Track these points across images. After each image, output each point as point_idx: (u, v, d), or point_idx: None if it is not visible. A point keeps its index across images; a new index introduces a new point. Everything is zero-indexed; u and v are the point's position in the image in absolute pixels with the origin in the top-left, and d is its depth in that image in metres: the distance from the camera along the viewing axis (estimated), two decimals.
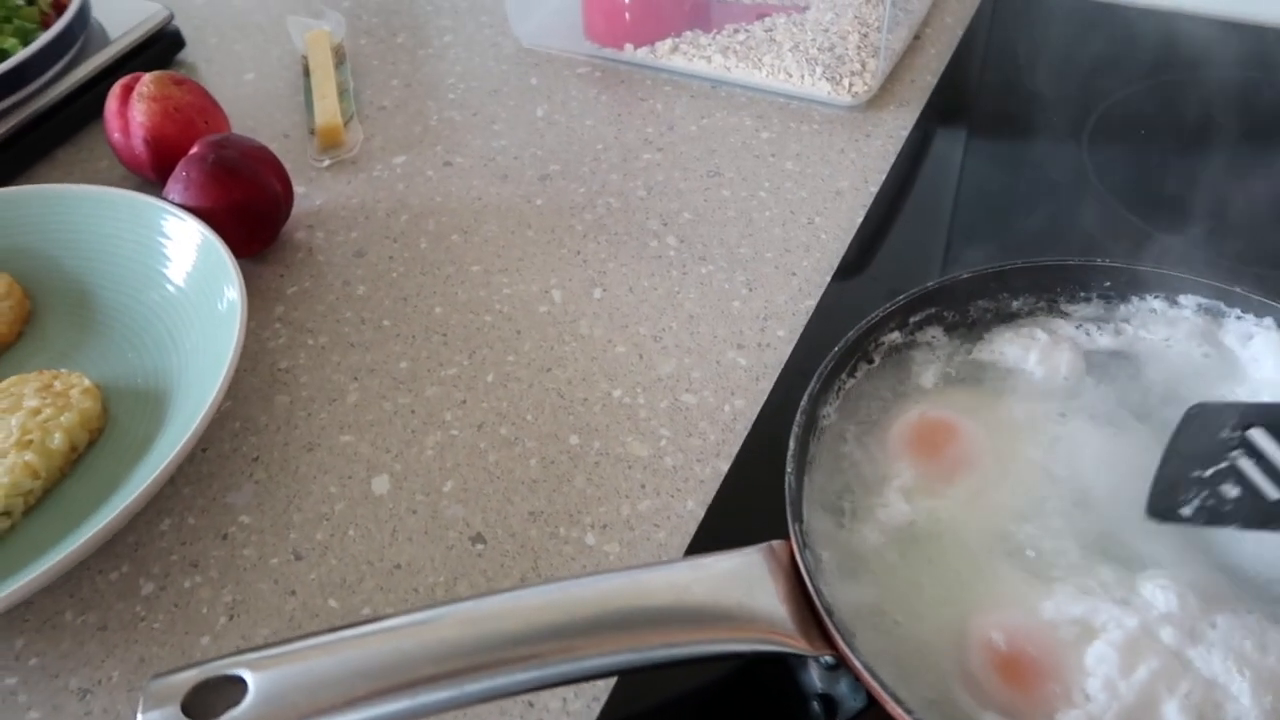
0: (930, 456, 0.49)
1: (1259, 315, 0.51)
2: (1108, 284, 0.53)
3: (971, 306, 0.53)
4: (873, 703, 0.39)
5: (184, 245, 0.61)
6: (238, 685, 0.37)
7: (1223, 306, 0.52)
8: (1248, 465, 0.42)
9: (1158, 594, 0.40)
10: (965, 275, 0.52)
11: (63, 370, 0.58)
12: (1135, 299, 0.53)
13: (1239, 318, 0.51)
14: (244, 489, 0.55)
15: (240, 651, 0.38)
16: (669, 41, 0.81)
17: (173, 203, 0.63)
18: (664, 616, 0.39)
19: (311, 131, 0.77)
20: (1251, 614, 0.40)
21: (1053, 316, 0.53)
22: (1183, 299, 0.52)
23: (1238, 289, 0.51)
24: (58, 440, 0.53)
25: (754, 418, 0.56)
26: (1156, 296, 0.53)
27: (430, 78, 0.84)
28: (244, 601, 0.50)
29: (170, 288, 0.61)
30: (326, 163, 0.75)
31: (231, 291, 0.58)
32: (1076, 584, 0.42)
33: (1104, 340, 0.52)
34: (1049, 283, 0.53)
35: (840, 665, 0.41)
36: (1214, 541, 0.43)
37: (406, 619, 0.39)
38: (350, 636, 0.39)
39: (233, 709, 0.36)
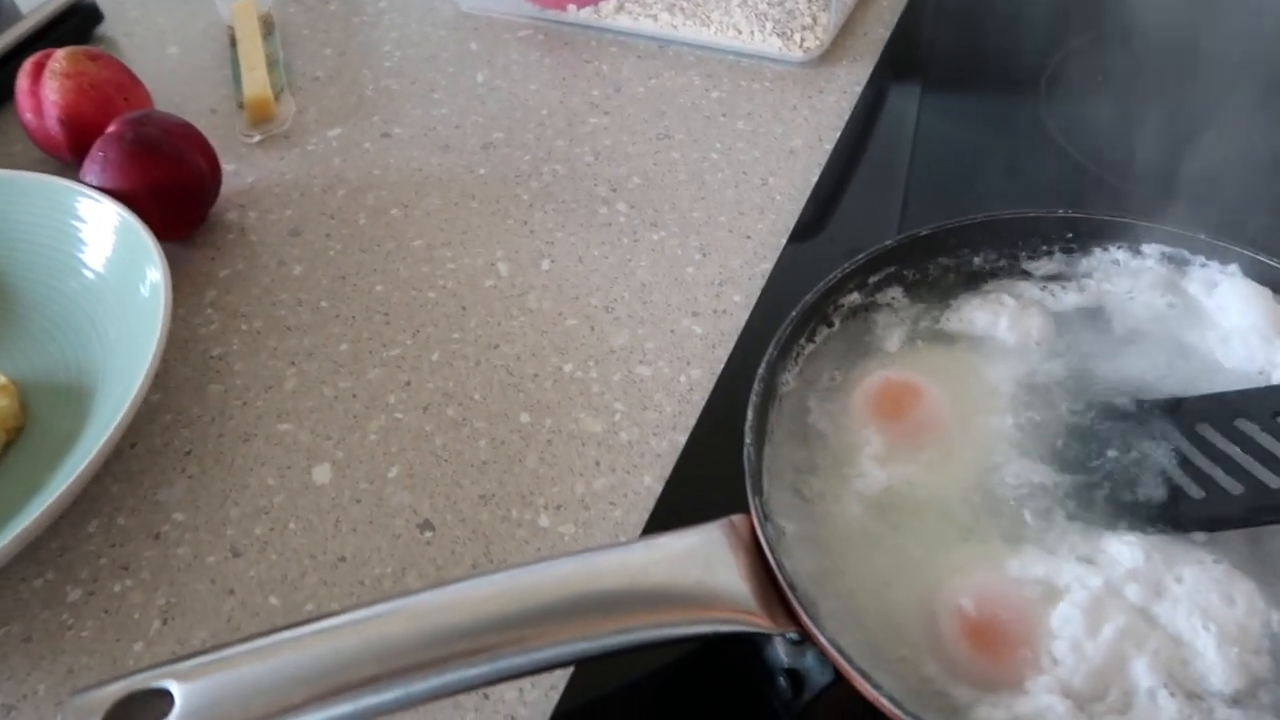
0: (895, 421, 0.47)
1: (1223, 261, 0.49)
2: (1069, 235, 0.51)
3: (932, 264, 0.51)
4: (840, 677, 0.38)
5: (101, 229, 0.58)
6: (165, 698, 0.35)
7: (1186, 254, 0.50)
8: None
9: (1123, 550, 0.39)
10: (924, 232, 0.50)
11: None
12: (1098, 250, 0.51)
13: (1203, 265, 0.50)
14: (176, 485, 0.52)
15: (167, 662, 0.35)
16: (613, 0, 0.78)
17: (90, 185, 0.59)
18: (620, 601, 0.37)
19: (240, 105, 0.74)
20: (1220, 564, 0.38)
21: (1015, 279, 0.51)
22: (1146, 248, 0.51)
23: (1201, 235, 0.50)
24: None
25: (711, 387, 0.54)
26: (1119, 246, 0.51)
27: (365, 45, 0.81)
28: (179, 604, 0.47)
29: (89, 274, 0.58)
30: (257, 138, 0.72)
31: (154, 275, 0.55)
32: (1042, 545, 0.41)
33: (1070, 299, 0.50)
34: (1010, 236, 0.52)
35: (809, 641, 0.39)
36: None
37: (345, 617, 0.37)
38: (285, 639, 0.36)
39: None
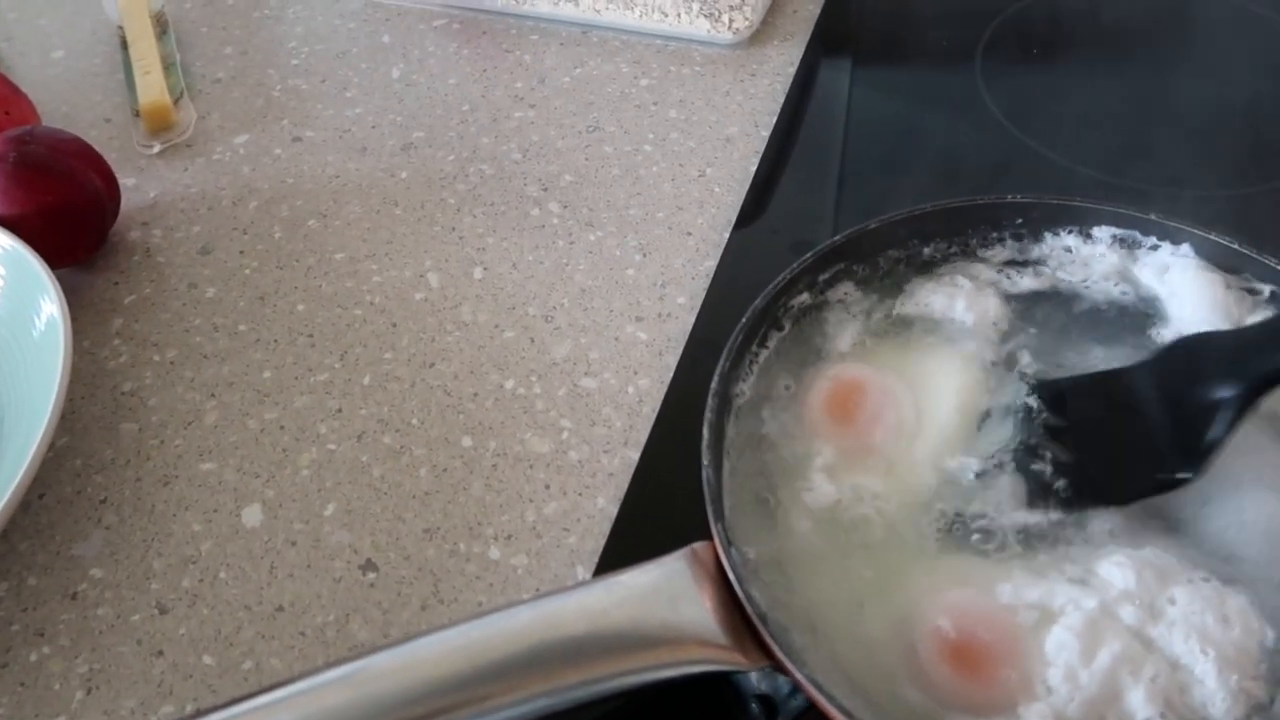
0: (848, 424, 0.45)
1: (1175, 242, 0.48)
2: (1019, 221, 0.50)
3: (882, 258, 0.49)
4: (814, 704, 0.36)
5: None
6: None
7: (1138, 235, 0.49)
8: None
9: (1114, 571, 0.38)
10: (872, 225, 0.49)
11: None
12: (1049, 235, 0.50)
13: (1154, 247, 0.49)
14: (92, 537, 0.48)
15: None
16: None
17: None
18: (582, 649, 0.35)
19: (136, 113, 0.68)
20: (1208, 581, 0.37)
21: (970, 261, 0.50)
22: (1096, 231, 0.50)
23: (1152, 215, 0.49)
24: None
25: (661, 397, 0.52)
26: (1070, 231, 0.50)
27: (269, 42, 0.76)
28: (103, 670, 0.44)
29: None
30: (157, 148, 0.67)
31: (50, 307, 0.50)
32: (1029, 566, 0.39)
33: (1026, 282, 0.49)
34: (959, 225, 0.50)
35: (783, 673, 0.37)
36: (1162, 506, 0.40)
37: (281, 693, 0.34)
38: None
39: None
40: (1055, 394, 0.44)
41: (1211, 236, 0.46)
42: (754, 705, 0.42)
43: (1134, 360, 0.44)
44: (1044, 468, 0.42)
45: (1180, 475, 0.40)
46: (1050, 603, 0.38)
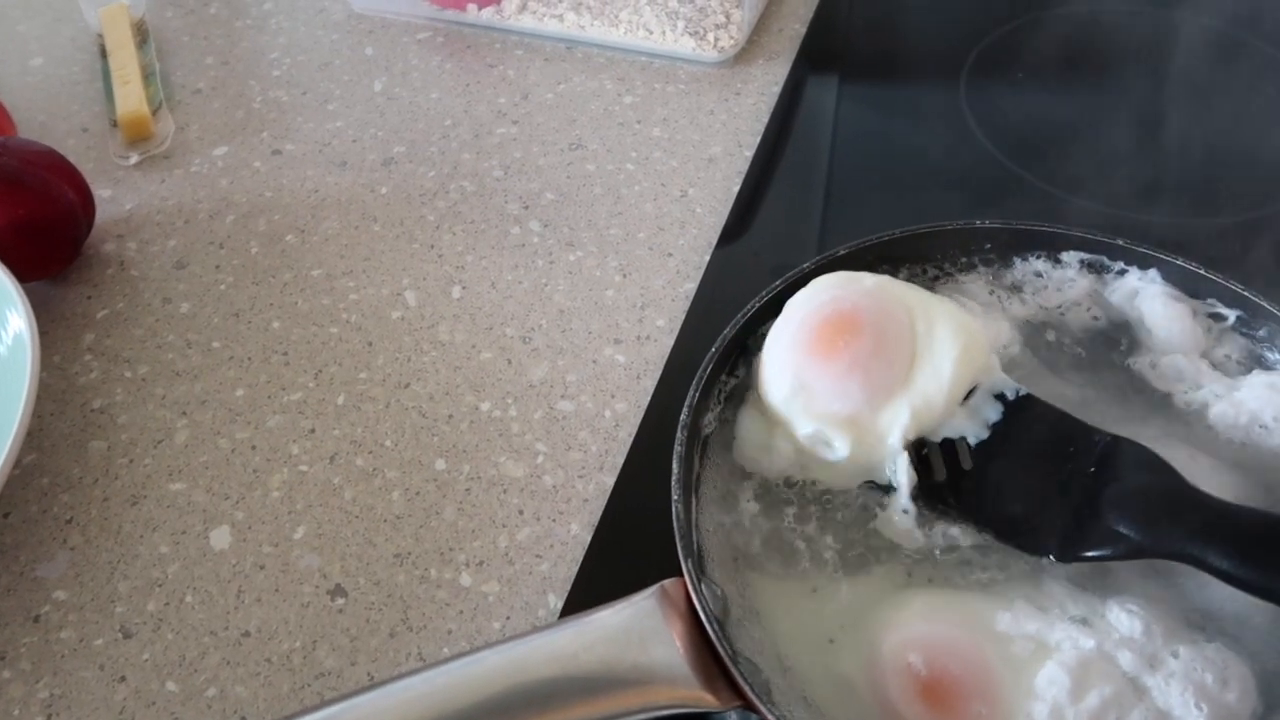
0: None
1: (1142, 267, 0.48)
2: (988, 246, 0.50)
3: None
4: None
5: None
6: None
7: (1105, 260, 0.49)
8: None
9: (1122, 617, 0.37)
10: (842, 252, 0.48)
11: None
12: (1018, 260, 0.50)
13: (1121, 272, 0.49)
14: (57, 558, 0.47)
15: None
16: None
17: None
18: (551, 694, 0.35)
19: (114, 124, 0.68)
20: (1212, 643, 0.37)
21: (956, 285, 0.49)
22: (1065, 256, 0.49)
23: (1120, 241, 0.48)
24: None
25: (638, 422, 0.51)
26: (1038, 256, 0.50)
27: (250, 53, 0.75)
28: (64, 696, 0.43)
29: None
30: (134, 159, 0.66)
31: (17, 321, 0.50)
32: (1024, 599, 0.39)
33: (1016, 309, 0.48)
34: (928, 250, 0.50)
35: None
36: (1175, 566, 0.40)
37: None
38: None
39: None
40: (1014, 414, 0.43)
41: (1178, 261, 0.46)
42: None
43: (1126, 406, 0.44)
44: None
45: (1042, 553, 0.40)
46: (1047, 637, 0.37)
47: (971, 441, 0.42)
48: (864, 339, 0.42)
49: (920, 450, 0.42)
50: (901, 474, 0.41)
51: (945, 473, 0.42)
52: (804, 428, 0.42)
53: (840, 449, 0.42)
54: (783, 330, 0.44)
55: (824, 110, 0.70)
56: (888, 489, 0.42)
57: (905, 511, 0.41)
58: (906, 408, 0.41)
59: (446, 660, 0.35)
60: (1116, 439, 0.41)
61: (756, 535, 0.42)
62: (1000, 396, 0.43)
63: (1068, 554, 0.40)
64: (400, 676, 0.35)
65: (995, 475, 0.42)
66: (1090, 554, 0.39)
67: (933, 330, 0.43)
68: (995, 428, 0.42)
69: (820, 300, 0.44)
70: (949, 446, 0.42)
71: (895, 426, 0.41)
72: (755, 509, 0.42)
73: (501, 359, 0.54)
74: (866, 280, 0.45)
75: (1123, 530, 0.39)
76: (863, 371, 0.42)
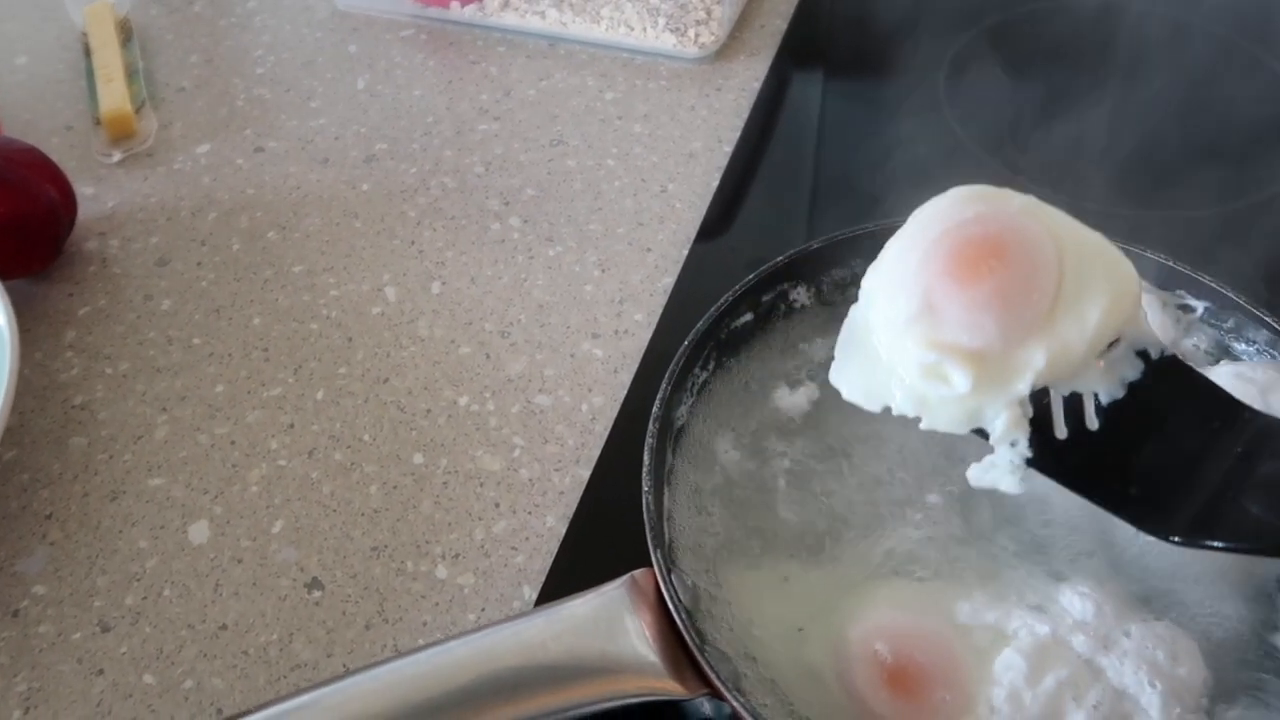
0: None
1: None
2: None
3: (825, 278, 0.49)
4: None
5: None
6: None
7: None
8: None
9: (1075, 601, 0.38)
10: (815, 246, 0.49)
11: None
12: None
13: None
14: (36, 554, 0.48)
15: None
16: None
17: None
18: (520, 683, 0.35)
19: (97, 121, 0.68)
20: (1161, 620, 0.37)
21: None
22: None
23: None
24: None
25: (615, 415, 0.52)
26: None
27: (234, 51, 0.75)
28: (42, 689, 0.43)
29: None
30: (117, 157, 0.66)
31: None
32: (982, 589, 0.39)
33: None
34: None
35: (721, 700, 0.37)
36: (1124, 545, 0.40)
37: None
38: None
39: None
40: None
41: (1148, 254, 0.47)
42: None
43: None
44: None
45: (1160, 532, 0.37)
46: (1005, 625, 0.38)
47: (1104, 400, 0.37)
48: (1011, 267, 0.36)
49: (1042, 400, 0.37)
50: (1010, 425, 0.36)
51: (1066, 431, 0.37)
52: (922, 356, 0.36)
53: (961, 385, 0.36)
54: (913, 243, 0.38)
55: (804, 106, 0.70)
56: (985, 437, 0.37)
57: (1015, 464, 0.36)
58: (1043, 351, 0.35)
59: (416, 650, 0.35)
60: (1272, 420, 0.38)
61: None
62: (1143, 354, 0.37)
63: (1194, 538, 0.37)
64: (370, 666, 0.35)
65: (1122, 441, 0.37)
66: (1219, 544, 0.36)
67: (1083, 268, 0.36)
68: (1132, 388, 0.37)
69: (963, 215, 0.38)
70: (1071, 402, 0.37)
71: (1027, 370, 0.35)
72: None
73: (480, 354, 0.55)
74: (1014, 199, 0.38)
75: (1275, 523, 0.36)
76: (1003, 303, 0.36)
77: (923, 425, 0.37)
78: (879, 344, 0.38)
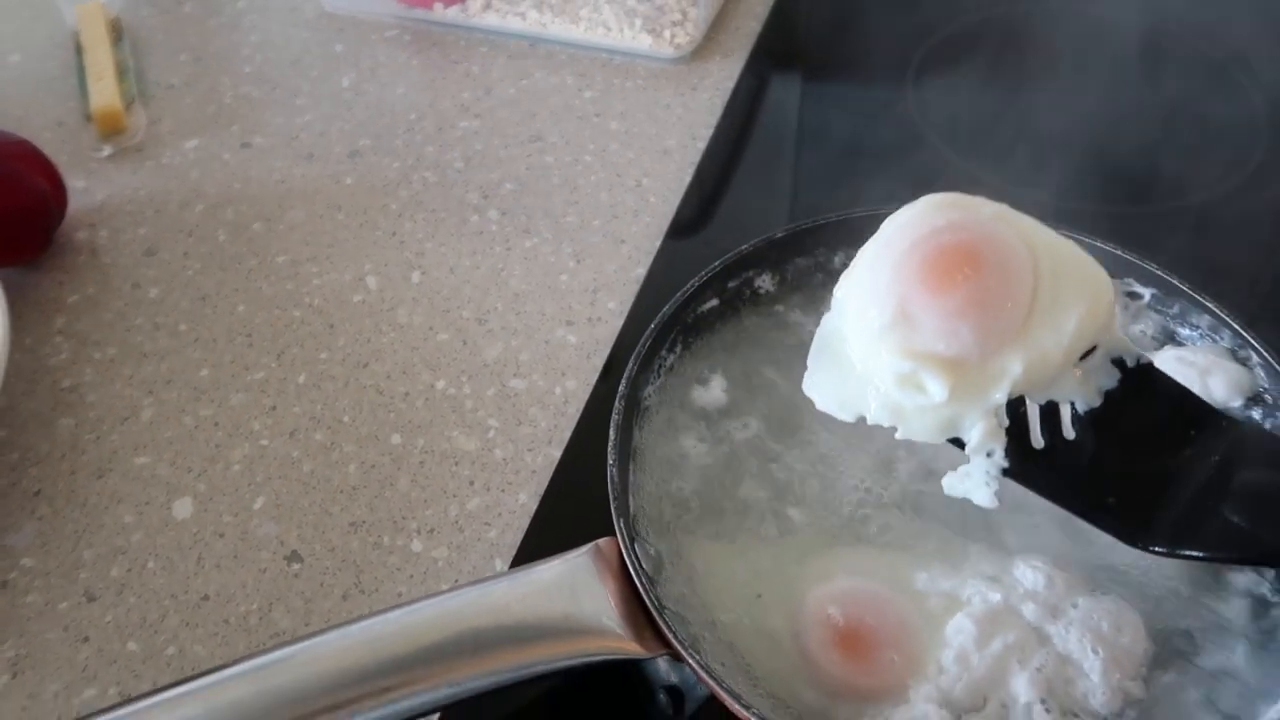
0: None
1: None
2: None
3: (790, 266, 0.51)
4: None
5: None
6: None
7: None
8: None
9: (1027, 573, 0.40)
10: (779, 234, 0.51)
11: None
12: None
13: None
14: (25, 528, 0.49)
15: None
16: None
17: None
18: (484, 642, 0.37)
19: (88, 118, 0.70)
20: (1108, 595, 0.39)
21: None
22: None
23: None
24: None
25: (586, 398, 0.54)
26: None
27: (223, 50, 0.77)
28: (29, 655, 0.45)
29: None
30: (107, 151, 0.68)
31: None
32: (941, 560, 0.41)
33: None
34: (863, 235, 0.52)
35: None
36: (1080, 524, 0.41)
37: (192, 685, 0.35)
38: (126, 714, 0.34)
39: None
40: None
41: (1096, 242, 0.48)
42: (662, 696, 0.43)
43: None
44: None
45: (1140, 543, 0.38)
46: (959, 592, 0.40)
47: (1080, 409, 0.37)
48: (986, 275, 0.36)
49: (1018, 410, 0.37)
50: (986, 435, 0.36)
51: (1043, 440, 0.37)
52: (897, 366, 0.36)
53: (937, 394, 0.36)
54: (886, 251, 0.38)
55: (775, 106, 0.73)
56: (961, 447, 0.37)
57: (990, 475, 0.37)
58: (1020, 359, 0.35)
59: (387, 610, 0.37)
60: (1250, 428, 0.38)
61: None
62: (1119, 362, 0.37)
63: (1174, 547, 0.37)
64: (343, 624, 0.37)
65: (1100, 449, 0.37)
66: (1199, 554, 0.37)
67: (1058, 276, 0.36)
68: (1109, 396, 0.37)
69: (936, 223, 0.38)
70: (1048, 412, 0.37)
71: (1004, 378, 0.35)
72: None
73: (457, 340, 0.57)
74: (986, 207, 0.38)
75: (1257, 532, 0.36)
76: (979, 311, 0.36)
77: (898, 435, 0.37)
78: (853, 353, 0.38)
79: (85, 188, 0.66)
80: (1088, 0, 0.76)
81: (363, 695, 0.35)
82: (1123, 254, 0.49)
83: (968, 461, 0.37)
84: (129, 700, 0.35)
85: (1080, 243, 0.49)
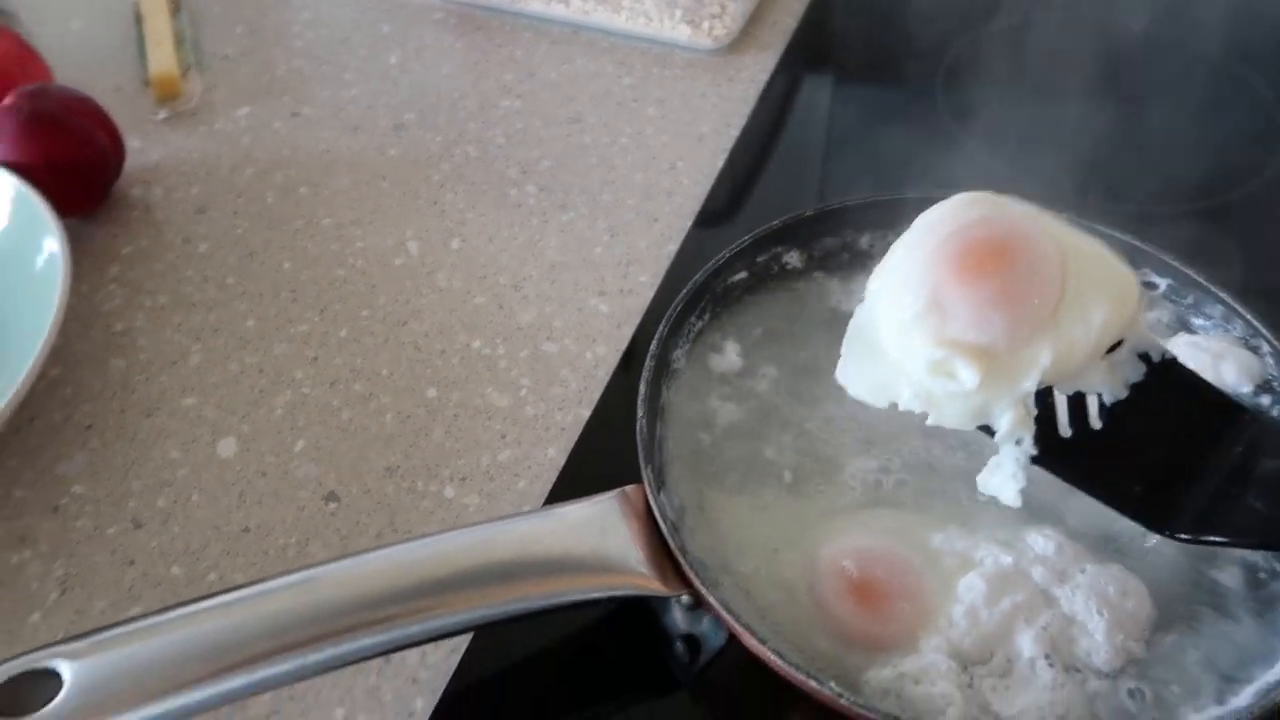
0: None
1: None
2: None
3: (817, 245, 0.53)
4: (733, 638, 0.39)
5: None
6: (54, 678, 0.35)
7: None
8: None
9: (1038, 540, 0.41)
10: (809, 213, 0.52)
11: None
12: None
13: None
14: (76, 459, 0.52)
15: (58, 641, 0.35)
16: None
17: None
18: (515, 570, 0.39)
19: (146, 83, 0.73)
20: (1116, 564, 0.41)
21: None
22: None
23: (1065, 215, 0.52)
24: None
25: (615, 363, 0.56)
26: None
27: (276, 25, 0.80)
28: (78, 575, 0.47)
29: None
30: (163, 115, 0.71)
31: (52, 245, 0.54)
32: (958, 524, 0.43)
33: None
34: (890, 218, 0.53)
35: (700, 605, 0.40)
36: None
37: (239, 593, 0.37)
38: (177, 617, 0.37)
39: (48, 704, 0.34)
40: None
41: (1115, 233, 0.50)
42: (679, 644, 0.45)
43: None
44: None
45: (1166, 529, 0.39)
46: (973, 553, 0.41)
47: (1107, 400, 0.38)
48: (1017, 267, 0.37)
49: (1046, 400, 0.38)
50: (1015, 423, 0.38)
51: (1071, 430, 0.38)
52: (930, 353, 0.37)
53: (968, 381, 0.37)
54: (920, 243, 0.40)
55: (808, 98, 0.75)
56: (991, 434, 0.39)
57: (1019, 463, 0.38)
58: (1049, 350, 0.37)
59: (420, 536, 0.39)
60: (1271, 420, 0.40)
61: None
62: (1144, 357, 0.39)
63: (1198, 533, 0.39)
64: (375, 548, 0.39)
65: (1125, 439, 0.38)
66: (1223, 539, 0.39)
67: (1085, 272, 0.38)
68: (1135, 388, 0.39)
69: (968, 218, 0.39)
70: (1075, 403, 0.39)
71: (1033, 368, 0.37)
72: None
73: (493, 304, 0.59)
74: (1014, 206, 0.40)
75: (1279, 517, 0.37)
76: (1010, 301, 0.37)
77: (929, 421, 0.38)
78: (886, 342, 0.39)
79: (141, 148, 0.69)
80: (1117, 7, 0.78)
81: (403, 613, 0.37)
82: (1141, 245, 0.50)
83: (996, 453, 0.39)
84: (182, 603, 0.37)
85: (1100, 233, 0.51)
